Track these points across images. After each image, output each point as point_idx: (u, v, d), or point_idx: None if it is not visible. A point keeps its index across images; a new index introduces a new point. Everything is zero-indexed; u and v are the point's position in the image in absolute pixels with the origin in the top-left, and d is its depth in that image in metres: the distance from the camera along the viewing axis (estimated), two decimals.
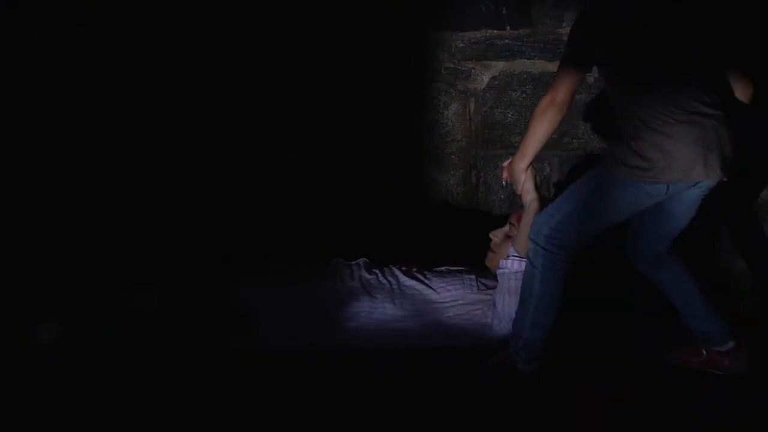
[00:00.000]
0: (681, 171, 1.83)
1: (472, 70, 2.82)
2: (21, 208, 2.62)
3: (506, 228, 2.41)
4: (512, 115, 2.82)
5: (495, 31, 2.76)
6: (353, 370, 2.12)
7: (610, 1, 1.92)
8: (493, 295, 2.26)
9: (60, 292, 2.26)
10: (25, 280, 2.38)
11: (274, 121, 2.88)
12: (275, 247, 2.68)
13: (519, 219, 2.35)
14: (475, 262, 2.47)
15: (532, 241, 1.97)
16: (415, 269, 2.38)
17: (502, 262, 2.27)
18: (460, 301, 2.28)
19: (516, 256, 2.22)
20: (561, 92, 1.91)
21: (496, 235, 2.42)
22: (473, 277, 2.34)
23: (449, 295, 2.28)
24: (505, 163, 2.15)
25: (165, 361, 2.10)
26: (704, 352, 2.09)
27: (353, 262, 2.41)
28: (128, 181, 2.78)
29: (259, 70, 2.84)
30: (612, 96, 1.98)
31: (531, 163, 2.08)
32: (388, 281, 2.31)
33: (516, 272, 2.17)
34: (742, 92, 2.00)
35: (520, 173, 2.08)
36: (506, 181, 2.21)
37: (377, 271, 2.36)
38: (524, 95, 2.81)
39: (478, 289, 2.31)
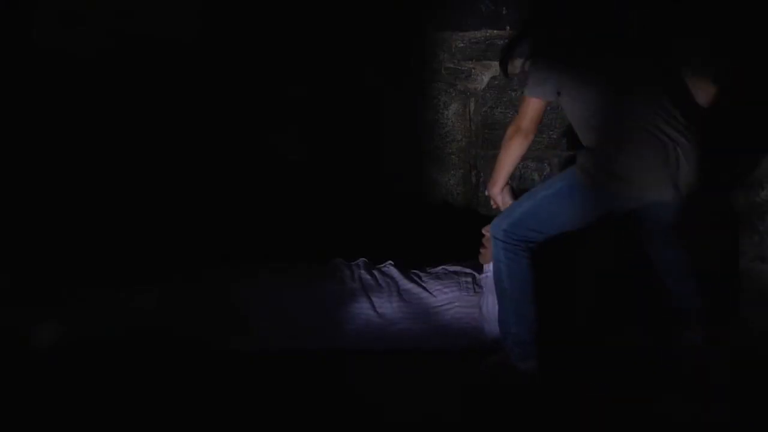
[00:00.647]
0: (637, 189, 1.93)
1: (472, 70, 2.82)
2: (21, 208, 2.62)
3: None
4: (512, 115, 2.81)
5: (495, 31, 2.76)
6: (353, 370, 2.12)
7: (568, 25, 1.97)
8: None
9: (60, 292, 2.26)
10: (25, 280, 2.38)
11: (274, 121, 2.88)
12: (275, 246, 2.68)
13: None
14: (476, 263, 2.47)
15: (493, 237, 2.03)
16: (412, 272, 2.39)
17: (486, 267, 2.29)
18: (457, 303, 2.28)
19: None
20: (525, 121, 2.01)
21: (487, 230, 2.42)
22: (470, 279, 2.35)
23: (446, 298, 2.29)
24: (488, 192, 2.21)
25: (165, 361, 2.10)
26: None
27: (353, 263, 2.42)
28: (128, 181, 2.78)
29: (258, 69, 2.84)
30: (573, 114, 2.01)
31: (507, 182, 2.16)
32: (387, 283, 2.32)
33: None
34: (703, 96, 2.04)
35: (497, 196, 2.17)
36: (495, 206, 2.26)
37: (376, 273, 2.36)
38: None
39: (475, 291, 2.31)
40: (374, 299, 2.26)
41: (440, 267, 2.44)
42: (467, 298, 2.29)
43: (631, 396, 1.95)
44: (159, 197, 2.78)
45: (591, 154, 1.94)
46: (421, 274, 2.38)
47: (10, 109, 2.63)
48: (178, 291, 2.25)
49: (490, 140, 2.83)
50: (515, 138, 2.02)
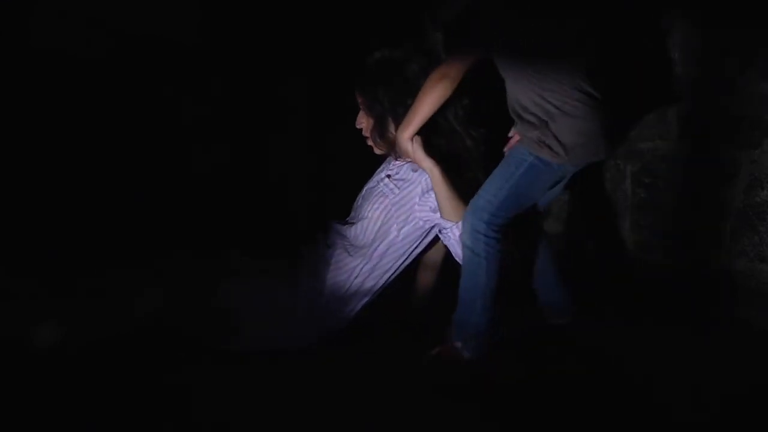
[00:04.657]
0: (592, 150, 2.01)
1: None
2: (20, 208, 2.62)
3: (360, 113, 2.39)
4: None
5: None
6: (348, 370, 2.11)
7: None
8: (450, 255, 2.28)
9: (61, 289, 2.26)
10: (24, 278, 2.38)
11: (274, 122, 2.89)
12: (273, 245, 2.68)
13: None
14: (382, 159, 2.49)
15: (473, 230, 2.01)
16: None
17: (445, 236, 2.24)
18: (393, 210, 2.27)
19: (452, 225, 2.18)
20: (456, 68, 1.98)
21: (360, 123, 2.38)
22: (386, 181, 2.34)
23: (381, 212, 2.28)
24: (398, 138, 2.15)
25: (164, 360, 2.10)
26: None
27: (317, 248, 2.40)
28: (127, 180, 2.78)
29: (258, 69, 2.84)
30: (517, 83, 2.02)
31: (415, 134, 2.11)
32: (340, 243, 2.32)
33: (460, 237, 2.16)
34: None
35: (406, 143, 2.10)
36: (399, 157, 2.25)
37: (331, 242, 2.36)
38: None
39: (398, 188, 2.29)
40: (335, 273, 2.27)
41: (363, 190, 2.45)
42: (397, 200, 2.28)
43: (630, 393, 1.95)
44: (158, 197, 2.79)
45: (545, 126, 1.97)
46: (353, 213, 2.41)
47: (9, 109, 2.64)
48: (174, 290, 2.24)
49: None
50: (442, 83, 1.98)
